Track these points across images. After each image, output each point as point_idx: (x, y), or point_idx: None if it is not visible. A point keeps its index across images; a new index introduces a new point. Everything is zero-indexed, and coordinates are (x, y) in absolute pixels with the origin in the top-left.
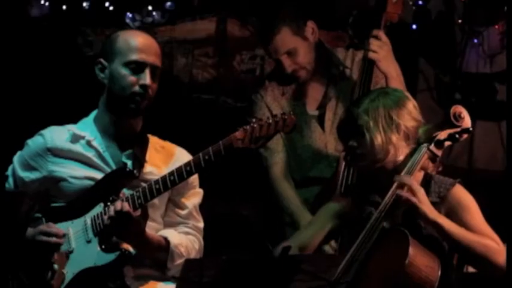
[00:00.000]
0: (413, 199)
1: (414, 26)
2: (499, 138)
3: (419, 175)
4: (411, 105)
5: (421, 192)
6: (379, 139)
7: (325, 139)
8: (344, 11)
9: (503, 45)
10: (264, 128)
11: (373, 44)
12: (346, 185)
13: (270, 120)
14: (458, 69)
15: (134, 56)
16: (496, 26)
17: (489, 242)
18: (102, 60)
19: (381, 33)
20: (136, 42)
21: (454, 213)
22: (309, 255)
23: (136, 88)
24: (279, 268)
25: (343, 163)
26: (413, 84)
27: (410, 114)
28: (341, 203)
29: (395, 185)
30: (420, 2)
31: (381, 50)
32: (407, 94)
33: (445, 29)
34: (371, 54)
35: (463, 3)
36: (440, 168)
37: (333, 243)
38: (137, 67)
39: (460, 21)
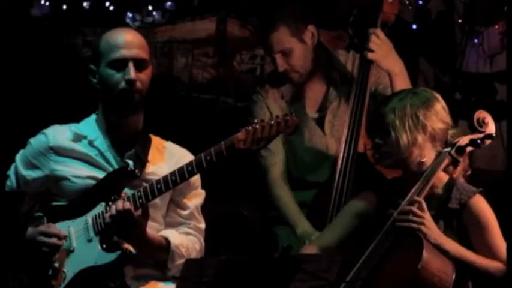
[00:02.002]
0: (420, 226)
1: (414, 26)
2: (499, 138)
3: (444, 178)
4: (439, 106)
5: (427, 216)
6: (404, 138)
7: (326, 141)
8: (344, 11)
9: (503, 45)
10: (266, 129)
11: (371, 43)
12: (343, 187)
13: (272, 122)
14: (458, 69)
15: (115, 55)
16: (496, 26)
17: (499, 265)
18: (91, 66)
19: (378, 31)
20: (116, 41)
21: (471, 227)
22: (309, 255)
23: (123, 84)
24: (279, 268)
25: (340, 165)
26: (413, 84)
27: (437, 115)
28: (366, 202)
29: (402, 208)
30: (420, 2)
31: (380, 49)
32: (437, 95)
33: (445, 29)
34: (369, 55)
35: (463, 3)
36: (469, 172)
37: None
38: (120, 64)
39: (460, 21)
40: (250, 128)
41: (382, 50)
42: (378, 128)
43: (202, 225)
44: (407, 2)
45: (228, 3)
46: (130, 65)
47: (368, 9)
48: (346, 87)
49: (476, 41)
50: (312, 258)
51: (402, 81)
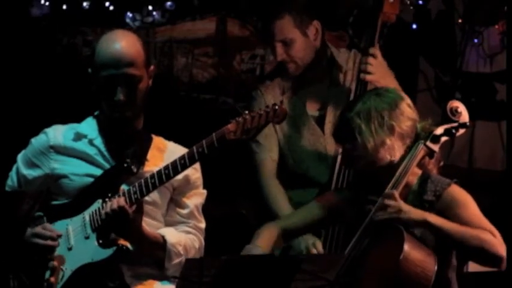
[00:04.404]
0: (393, 215)
1: (414, 26)
2: (499, 138)
3: (417, 172)
4: (404, 104)
5: (401, 202)
6: (371, 141)
7: (325, 141)
8: (345, 11)
9: (503, 45)
10: (256, 119)
11: (369, 65)
12: (342, 187)
13: (261, 111)
14: (458, 69)
15: (104, 73)
16: (496, 26)
17: (484, 234)
18: (89, 70)
19: (376, 52)
20: (106, 56)
21: (448, 210)
22: (309, 255)
23: (112, 103)
24: (279, 268)
25: (338, 165)
26: (413, 84)
27: (403, 114)
28: (331, 199)
29: (378, 204)
30: (420, 2)
31: (377, 70)
32: (401, 93)
33: (445, 29)
34: (368, 77)
35: (463, 3)
36: (442, 164)
37: (319, 246)
38: (109, 83)
39: (460, 21)
40: (240, 119)
41: (379, 71)
42: (345, 133)
43: (203, 225)
44: (408, 1)
45: (228, 3)
46: (119, 86)
47: (369, 10)
48: (347, 86)
49: (476, 41)
50: (312, 258)
51: None
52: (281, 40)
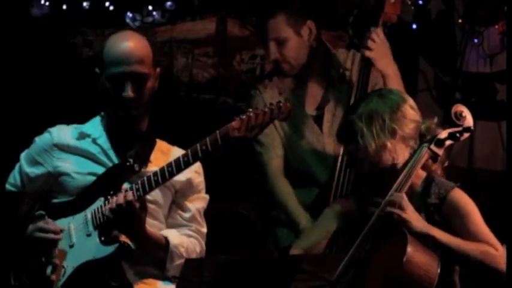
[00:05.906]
0: (403, 215)
1: (414, 26)
2: (499, 138)
3: (422, 175)
4: (407, 107)
5: (409, 208)
6: (372, 145)
7: (323, 140)
8: (345, 11)
9: (503, 45)
10: (260, 116)
11: (370, 41)
12: (343, 187)
13: (266, 109)
14: (458, 69)
15: (113, 70)
16: (496, 26)
17: (486, 248)
18: (96, 69)
19: (379, 32)
20: (117, 53)
21: (452, 218)
22: (309, 255)
23: (120, 100)
24: (279, 268)
25: (340, 165)
26: (413, 84)
27: (406, 117)
28: (343, 205)
29: (385, 201)
30: (420, 2)
31: (378, 48)
32: (404, 95)
33: (445, 29)
34: (367, 53)
35: (463, 3)
36: (446, 164)
37: None
38: (118, 80)
39: (460, 21)
40: (244, 116)
41: (379, 50)
42: (347, 135)
43: (204, 229)
44: (409, 2)
45: (228, 3)
46: (128, 83)
47: (370, 10)
48: (346, 86)
49: (476, 41)
50: (312, 258)
51: (395, 84)
52: (274, 39)
